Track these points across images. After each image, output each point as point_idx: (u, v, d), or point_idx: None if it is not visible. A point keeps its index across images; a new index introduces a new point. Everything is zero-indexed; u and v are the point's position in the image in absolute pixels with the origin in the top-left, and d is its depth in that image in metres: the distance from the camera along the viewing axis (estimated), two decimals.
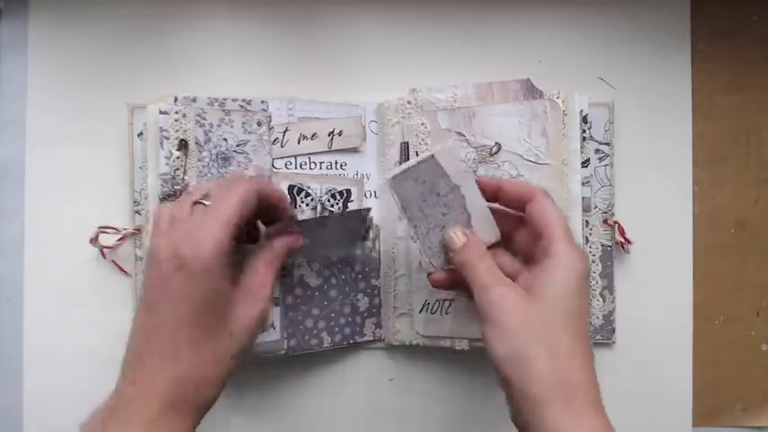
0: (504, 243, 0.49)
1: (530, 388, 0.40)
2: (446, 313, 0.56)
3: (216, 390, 0.43)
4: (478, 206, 0.48)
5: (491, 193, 0.48)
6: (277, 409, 0.60)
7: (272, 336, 0.55)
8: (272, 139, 0.55)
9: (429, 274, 0.50)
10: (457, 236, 0.47)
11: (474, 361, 0.58)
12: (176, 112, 0.52)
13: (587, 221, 0.58)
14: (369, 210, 0.56)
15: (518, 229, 0.49)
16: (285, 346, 0.55)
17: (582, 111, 0.56)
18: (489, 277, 0.44)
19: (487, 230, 0.48)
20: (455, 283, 0.48)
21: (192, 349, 0.41)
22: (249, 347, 0.45)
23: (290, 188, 0.56)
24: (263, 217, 0.49)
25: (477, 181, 0.48)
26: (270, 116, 0.55)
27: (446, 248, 0.48)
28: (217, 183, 0.48)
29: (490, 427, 0.60)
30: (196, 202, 0.43)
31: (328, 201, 0.57)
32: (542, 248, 0.45)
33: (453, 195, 0.47)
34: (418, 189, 0.47)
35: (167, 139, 0.51)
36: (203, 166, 0.52)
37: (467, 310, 0.55)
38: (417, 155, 0.56)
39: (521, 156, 0.54)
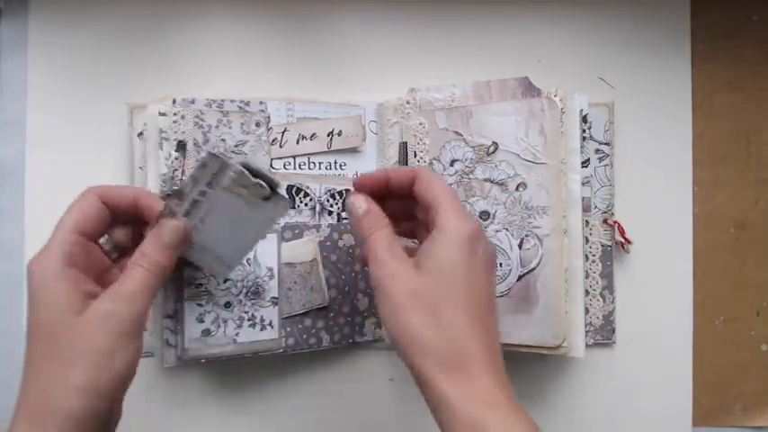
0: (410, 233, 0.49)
1: (423, 363, 0.40)
2: None
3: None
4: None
5: (381, 185, 0.47)
6: (275, 409, 0.60)
7: (271, 334, 0.55)
8: (271, 140, 0.55)
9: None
10: (359, 202, 0.46)
11: None
12: (175, 114, 0.52)
13: (587, 221, 0.58)
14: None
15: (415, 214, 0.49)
16: (283, 345, 0.55)
17: (582, 110, 0.55)
18: (384, 251, 0.43)
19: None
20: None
21: (29, 370, 0.41)
22: (112, 367, 0.41)
23: (289, 188, 0.56)
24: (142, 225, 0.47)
25: (365, 177, 0.47)
26: (268, 117, 0.55)
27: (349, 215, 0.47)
28: None
29: None
30: None
31: (327, 201, 0.57)
32: (431, 221, 0.44)
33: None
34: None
35: (167, 140, 0.52)
36: None
37: None
38: (416, 155, 0.56)
39: (518, 155, 0.54)
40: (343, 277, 0.58)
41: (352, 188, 0.49)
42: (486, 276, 0.44)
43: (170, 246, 0.44)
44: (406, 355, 0.41)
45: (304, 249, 0.56)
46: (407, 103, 0.57)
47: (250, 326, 0.54)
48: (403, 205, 0.48)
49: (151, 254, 0.43)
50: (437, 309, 0.41)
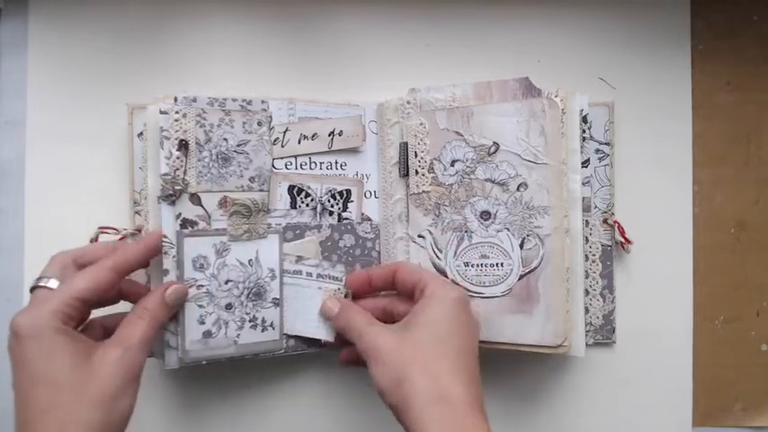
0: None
1: (411, 406, 0.43)
2: None
3: None
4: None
5: (365, 286, 0.55)
6: (277, 410, 0.60)
7: (272, 335, 0.54)
8: (273, 139, 0.55)
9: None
10: (332, 304, 0.54)
11: None
12: (176, 112, 0.51)
13: (587, 221, 0.58)
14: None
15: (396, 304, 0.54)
16: (284, 346, 0.55)
17: (582, 110, 0.55)
18: (364, 325, 0.49)
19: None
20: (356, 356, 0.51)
21: (37, 418, 0.41)
22: (120, 403, 0.44)
23: (290, 188, 0.56)
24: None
25: (350, 278, 0.56)
26: (270, 116, 0.55)
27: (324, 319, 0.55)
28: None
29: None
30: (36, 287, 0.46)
31: (328, 201, 0.57)
32: (419, 294, 0.50)
33: None
34: None
35: (168, 139, 0.51)
36: (203, 167, 0.52)
37: None
38: (417, 155, 0.56)
39: (519, 155, 0.54)
40: None
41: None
42: (470, 333, 0.48)
43: (172, 306, 0.49)
44: (398, 404, 0.44)
45: (307, 249, 0.56)
46: (408, 103, 0.57)
47: (251, 327, 0.54)
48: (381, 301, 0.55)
49: (154, 310, 0.48)
50: (426, 358, 0.45)
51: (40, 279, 0.46)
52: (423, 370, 0.44)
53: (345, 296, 0.56)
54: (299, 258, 0.55)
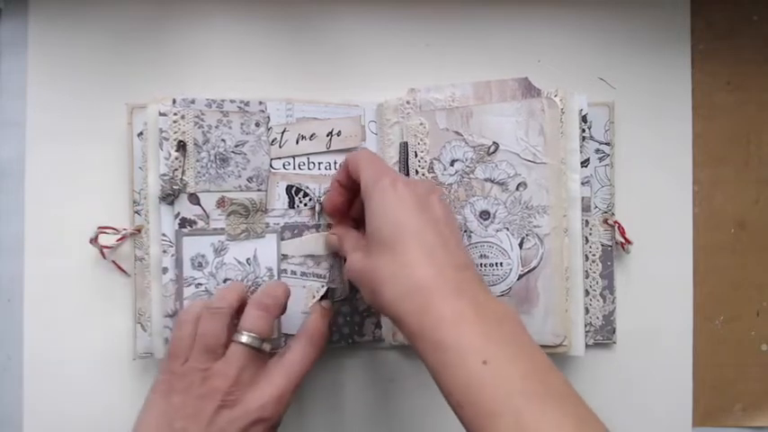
0: None
1: (391, 313, 0.42)
2: None
3: None
4: None
5: (341, 194, 0.53)
6: None
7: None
8: (271, 140, 0.55)
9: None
10: (332, 239, 0.54)
11: None
12: (175, 114, 0.52)
13: (587, 221, 0.58)
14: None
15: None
16: (282, 345, 0.55)
17: (582, 110, 0.55)
18: (347, 252, 0.50)
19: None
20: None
21: None
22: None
23: (289, 188, 0.56)
24: None
25: (326, 200, 0.55)
26: (268, 117, 0.55)
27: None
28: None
29: None
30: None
31: None
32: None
33: None
34: None
35: (166, 140, 0.52)
36: (201, 167, 0.52)
37: None
38: (416, 155, 0.56)
39: (518, 155, 0.54)
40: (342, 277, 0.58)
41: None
42: (419, 207, 0.45)
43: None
44: (376, 303, 0.44)
45: (317, 243, 0.56)
46: (407, 103, 0.57)
47: None
48: None
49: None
50: (389, 250, 0.43)
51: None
52: (386, 275, 0.43)
53: (327, 293, 0.56)
54: (284, 257, 0.55)
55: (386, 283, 0.42)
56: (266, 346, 0.47)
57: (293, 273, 0.55)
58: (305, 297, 0.55)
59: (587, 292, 0.58)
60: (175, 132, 0.52)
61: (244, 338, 0.46)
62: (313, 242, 0.56)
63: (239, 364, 0.45)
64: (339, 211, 0.54)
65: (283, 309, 0.50)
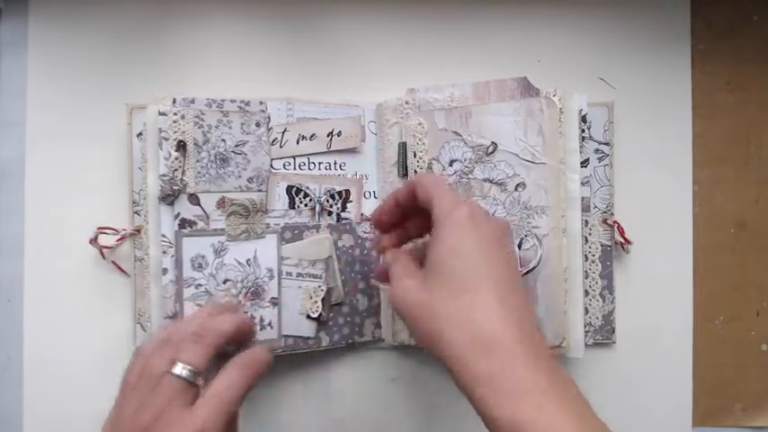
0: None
1: (452, 365, 0.39)
2: None
3: None
4: None
5: (395, 212, 0.48)
6: (275, 410, 0.60)
7: (270, 335, 0.55)
8: (271, 140, 0.55)
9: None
10: (387, 257, 0.48)
11: None
12: (175, 114, 0.52)
13: (587, 221, 0.58)
14: None
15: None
16: (282, 345, 0.55)
17: (581, 110, 0.55)
18: (394, 279, 0.44)
19: None
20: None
21: None
22: None
23: (289, 189, 0.56)
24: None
25: (379, 213, 0.49)
26: (268, 117, 0.55)
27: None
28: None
29: None
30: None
31: (327, 201, 0.57)
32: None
33: None
34: None
35: (166, 140, 0.52)
36: (201, 167, 0.52)
37: None
38: (415, 155, 0.56)
39: (517, 155, 0.54)
40: (342, 277, 0.58)
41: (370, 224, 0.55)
42: (497, 251, 0.42)
43: None
44: (432, 351, 0.40)
45: (321, 246, 0.56)
46: (407, 103, 0.57)
47: None
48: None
49: None
50: (445, 297, 0.40)
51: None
52: (448, 316, 0.39)
53: (326, 294, 0.56)
54: (282, 258, 0.55)
55: (448, 323, 0.39)
56: (200, 381, 0.43)
57: (288, 274, 0.55)
58: (301, 297, 0.55)
59: (587, 292, 0.58)
60: (175, 132, 0.52)
61: (176, 370, 0.42)
62: (315, 246, 0.56)
63: (168, 395, 0.42)
64: (384, 230, 0.51)
65: (230, 340, 0.46)
